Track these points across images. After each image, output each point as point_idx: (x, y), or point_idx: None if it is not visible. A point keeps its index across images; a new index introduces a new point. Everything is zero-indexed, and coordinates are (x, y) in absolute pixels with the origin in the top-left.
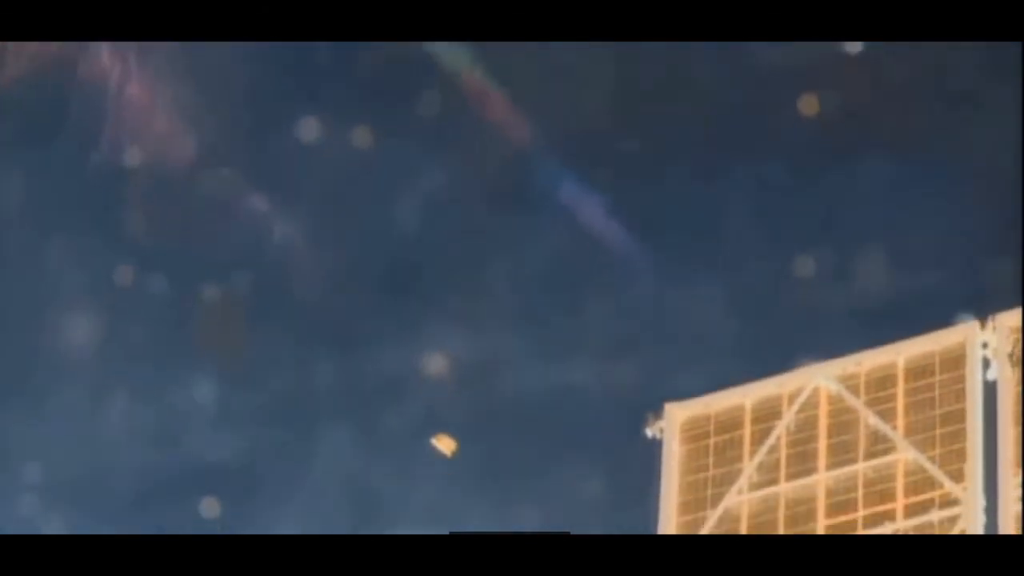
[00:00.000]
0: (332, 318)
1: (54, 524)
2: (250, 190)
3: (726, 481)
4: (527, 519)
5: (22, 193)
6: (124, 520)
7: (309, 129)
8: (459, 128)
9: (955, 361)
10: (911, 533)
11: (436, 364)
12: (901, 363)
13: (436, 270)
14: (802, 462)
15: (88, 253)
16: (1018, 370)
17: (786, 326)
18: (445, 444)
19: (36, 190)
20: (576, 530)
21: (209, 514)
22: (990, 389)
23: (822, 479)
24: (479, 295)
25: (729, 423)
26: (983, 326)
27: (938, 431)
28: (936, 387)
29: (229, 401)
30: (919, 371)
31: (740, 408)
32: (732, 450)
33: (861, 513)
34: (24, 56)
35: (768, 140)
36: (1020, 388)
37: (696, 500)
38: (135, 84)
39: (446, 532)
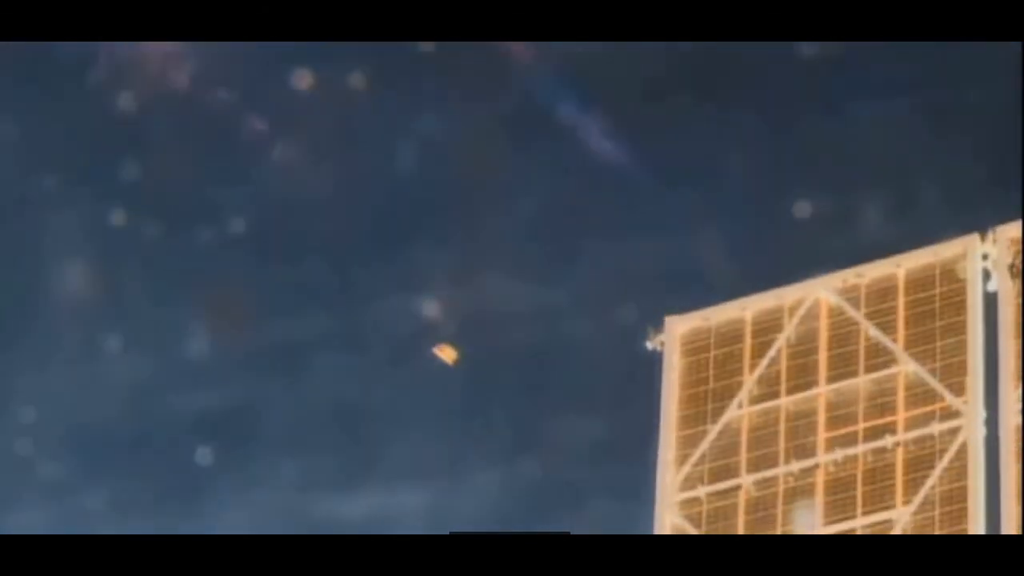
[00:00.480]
0: (329, 261)
1: (49, 468)
2: (248, 126)
3: (726, 395)
4: (526, 464)
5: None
6: (119, 465)
7: (306, 70)
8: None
9: (955, 273)
10: (912, 446)
11: (433, 305)
12: (901, 275)
13: (434, 209)
14: (802, 375)
15: (81, 192)
16: (1018, 282)
17: (784, 266)
18: (447, 353)
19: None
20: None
21: (204, 461)
22: (990, 301)
23: (822, 392)
24: (478, 231)
25: (729, 336)
26: (983, 238)
27: (938, 343)
28: (936, 299)
29: (224, 346)
30: (919, 283)
31: (740, 321)
32: (732, 363)
33: (861, 426)
34: None
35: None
36: (1020, 300)
37: (696, 414)
38: None
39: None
